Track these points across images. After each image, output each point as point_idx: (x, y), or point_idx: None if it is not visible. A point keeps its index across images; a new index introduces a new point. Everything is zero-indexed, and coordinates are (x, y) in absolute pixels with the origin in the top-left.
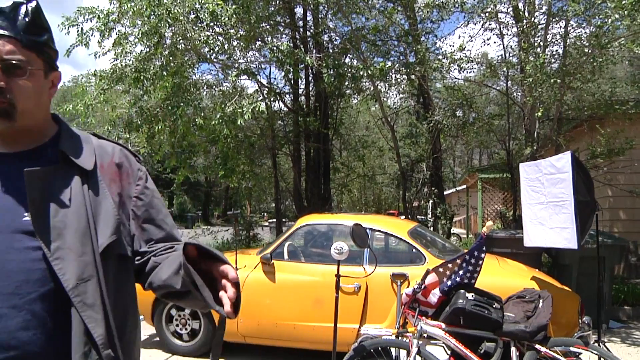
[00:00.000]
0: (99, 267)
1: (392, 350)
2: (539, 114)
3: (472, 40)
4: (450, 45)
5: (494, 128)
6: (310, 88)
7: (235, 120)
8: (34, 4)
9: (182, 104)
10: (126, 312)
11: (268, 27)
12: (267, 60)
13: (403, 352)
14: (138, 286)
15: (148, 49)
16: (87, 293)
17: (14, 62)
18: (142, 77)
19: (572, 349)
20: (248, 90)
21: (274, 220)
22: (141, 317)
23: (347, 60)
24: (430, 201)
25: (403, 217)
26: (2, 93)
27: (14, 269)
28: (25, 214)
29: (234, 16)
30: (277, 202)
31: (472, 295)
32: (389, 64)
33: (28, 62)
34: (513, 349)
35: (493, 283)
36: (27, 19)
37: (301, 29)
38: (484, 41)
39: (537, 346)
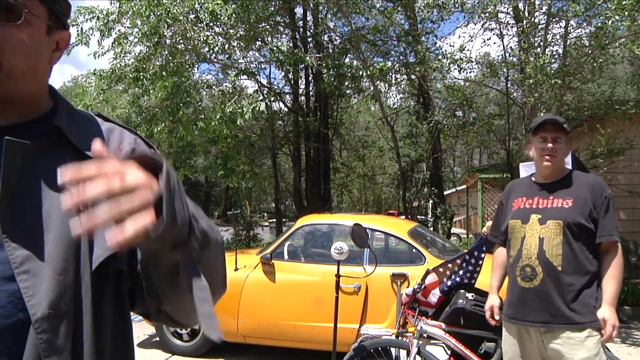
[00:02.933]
0: (84, 293)
1: (392, 350)
2: (541, 114)
3: (472, 40)
4: (450, 45)
5: (494, 128)
6: (310, 88)
7: (235, 120)
8: None
9: (181, 104)
10: None
11: (268, 27)
12: (267, 60)
13: (403, 352)
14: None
15: (148, 49)
16: (58, 331)
17: None
18: (141, 77)
19: None
20: (248, 90)
21: (274, 220)
22: (140, 317)
23: (347, 60)
24: (430, 201)
25: (403, 217)
26: None
27: None
28: None
29: (234, 16)
30: (277, 202)
31: (472, 295)
32: (389, 64)
33: (25, 4)
34: None
35: None
36: None
37: (301, 29)
38: (484, 41)
39: None
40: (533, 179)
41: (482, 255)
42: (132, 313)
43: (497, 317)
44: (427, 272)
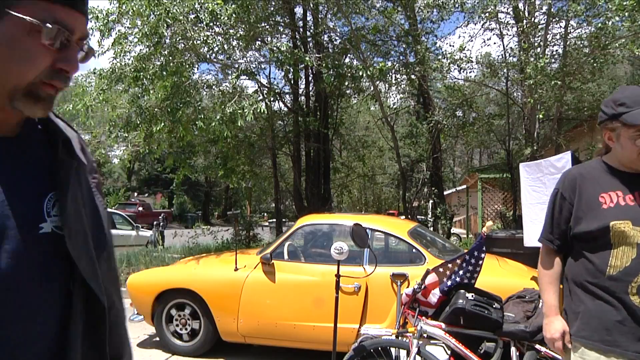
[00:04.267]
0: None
1: (392, 350)
2: (541, 115)
3: (472, 40)
4: (450, 45)
5: (494, 128)
6: (310, 88)
7: (235, 121)
8: None
9: (181, 104)
10: None
11: (268, 27)
12: (267, 60)
13: (403, 352)
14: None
15: (148, 49)
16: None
17: (91, 46)
18: (141, 77)
19: None
20: (248, 90)
21: (274, 220)
22: (141, 316)
23: (347, 60)
24: (430, 201)
25: (403, 217)
26: (69, 80)
27: (45, 311)
28: (42, 225)
29: (234, 16)
30: (277, 202)
31: (472, 295)
32: (389, 64)
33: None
34: (513, 349)
35: (493, 283)
36: None
37: (301, 29)
38: (484, 41)
39: (537, 346)
40: (610, 164)
41: (482, 255)
42: (134, 314)
43: (568, 345)
44: (427, 272)
